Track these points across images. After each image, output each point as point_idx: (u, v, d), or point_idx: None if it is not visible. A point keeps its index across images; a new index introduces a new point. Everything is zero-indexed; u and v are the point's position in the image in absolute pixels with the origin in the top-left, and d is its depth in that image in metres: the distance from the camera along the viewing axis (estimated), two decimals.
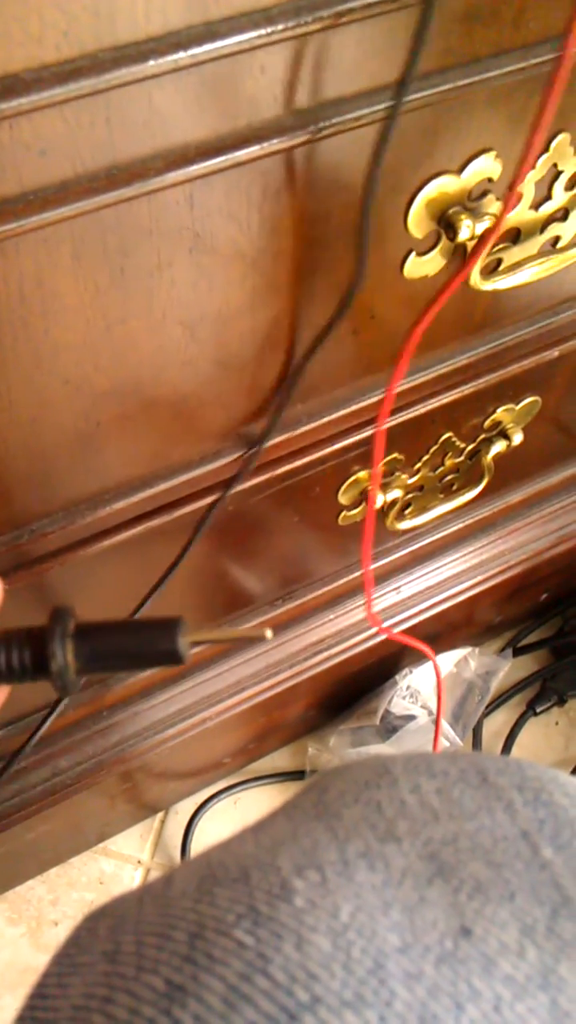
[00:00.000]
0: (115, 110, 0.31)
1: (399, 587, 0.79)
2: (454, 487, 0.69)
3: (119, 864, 0.87)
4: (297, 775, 0.91)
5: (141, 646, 0.31)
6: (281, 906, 0.24)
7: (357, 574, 0.73)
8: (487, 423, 0.65)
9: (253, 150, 0.35)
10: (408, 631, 0.80)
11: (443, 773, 0.30)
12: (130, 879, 0.86)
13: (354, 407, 0.53)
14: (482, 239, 0.43)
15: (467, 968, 0.23)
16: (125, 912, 0.27)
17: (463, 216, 0.43)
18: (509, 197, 0.40)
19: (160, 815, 0.90)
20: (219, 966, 0.23)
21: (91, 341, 0.38)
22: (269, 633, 0.32)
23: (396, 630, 0.79)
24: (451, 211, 0.43)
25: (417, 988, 0.22)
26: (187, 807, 0.90)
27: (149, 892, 0.28)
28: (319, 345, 0.45)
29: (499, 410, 0.64)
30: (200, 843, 0.87)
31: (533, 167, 0.44)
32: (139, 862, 0.87)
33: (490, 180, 0.43)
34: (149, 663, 0.32)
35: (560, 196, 0.47)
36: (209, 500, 0.53)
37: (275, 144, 0.35)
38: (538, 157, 0.44)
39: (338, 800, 0.30)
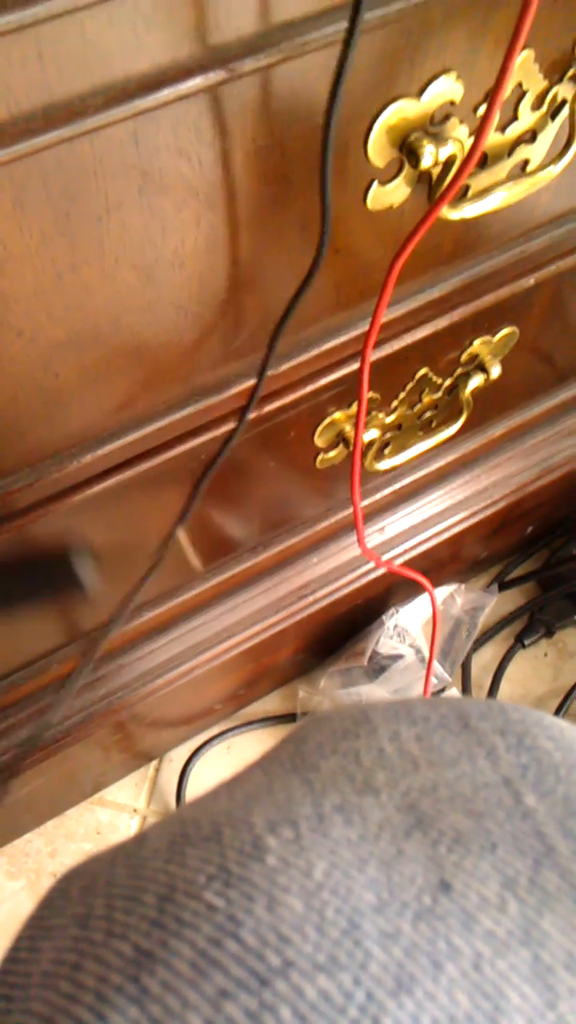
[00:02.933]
0: (47, 45, 0.29)
1: (383, 527, 0.79)
2: (433, 424, 0.68)
3: (115, 813, 0.87)
4: (289, 718, 0.92)
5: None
6: (253, 865, 0.24)
7: (339, 516, 0.73)
8: (464, 357, 0.63)
9: (196, 82, 0.33)
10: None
11: (424, 719, 0.30)
12: (127, 828, 0.86)
13: (325, 347, 0.52)
14: (460, 169, 0.41)
15: (446, 925, 0.22)
16: (97, 873, 0.27)
17: (425, 141, 0.41)
18: (485, 124, 0.38)
19: (154, 763, 0.90)
20: (188, 930, 0.22)
21: (42, 290, 0.37)
22: None
23: (381, 571, 0.79)
24: (412, 137, 0.41)
25: (393, 948, 0.21)
26: (181, 754, 0.90)
27: (122, 851, 0.28)
28: (301, 294, 0.43)
29: (476, 343, 0.63)
30: (195, 789, 0.88)
31: (504, 91, 0.42)
32: (135, 810, 0.87)
33: (452, 103, 0.41)
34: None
35: (527, 117, 0.45)
36: (179, 450, 0.52)
37: (220, 74, 0.33)
38: (502, 78, 0.42)
39: (315, 751, 0.29)
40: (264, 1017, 0.20)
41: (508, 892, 0.23)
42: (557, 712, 0.91)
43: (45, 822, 0.87)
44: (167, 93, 0.33)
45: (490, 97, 0.36)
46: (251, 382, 0.49)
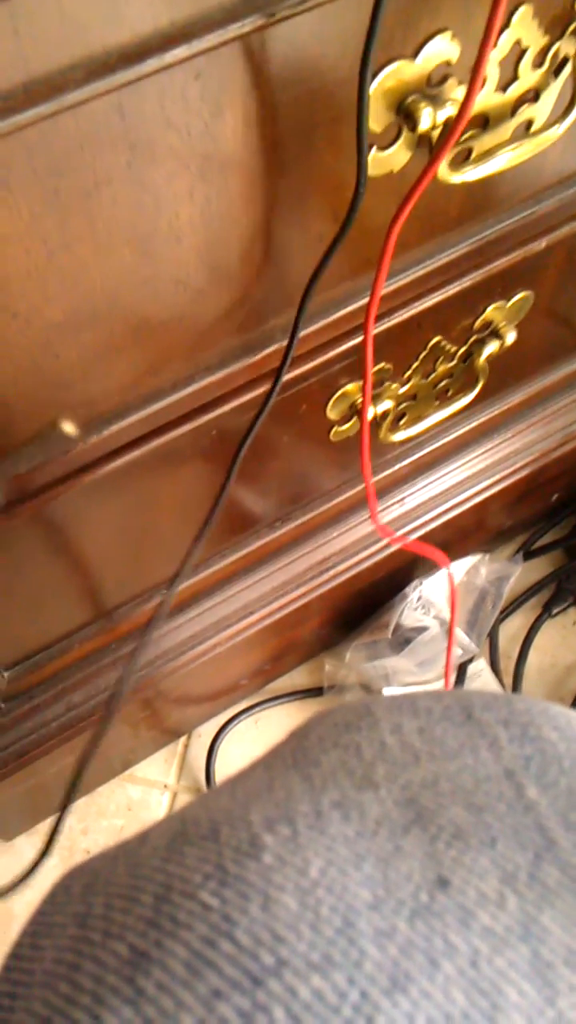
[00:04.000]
0: (22, 20, 0.29)
1: (403, 499, 0.78)
2: (449, 393, 0.67)
3: (146, 790, 0.88)
4: (316, 692, 0.92)
5: None
6: (249, 864, 0.24)
7: (357, 489, 0.72)
8: (477, 323, 0.62)
9: (179, 51, 0.32)
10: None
11: (426, 711, 0.29)
12: (157, 804, 0.87)
13: (331, 318, 0.51)
14: (449, 130, 0.40)
15: (443, 922, 0.22)
16: (99, 870, 0.27)
17: (422, 104, 0.40)
18: (473, 83, 0.37)
19: (183, 739, 0.91)
20: (183, 930, 0.22)
21: (35, 270, 0.37)
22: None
23: (400, 546, 0.78)
24: (409, 100, 0.40)
25: (389, 946, 0.21)
26: (209, 729, 0.90)
27: (123, 849, 0.28)
28: (324, 266, 0.42)
29: (489, 309, 0.62)
30: (223, 763, 0.88)
31: (494, 46, 0.41)
32: (165, 786, 0.88)
33: (448, 63, 0.40)
34: None
35: (528, 76, 0.44)
36: (188, 427, 0.51)
37: (205, 42, 0.33)
38: (499, 34, 0.41)
39: (317, 746, 0.29)
40: (257, 1017, 0.20)
41: (507, 887, 0.23)
42: None
43: (76, 800, 0.88)
44: (151, 64, 0.32)
45: (478, 52, 0.35)
46: (256, 357, 0.49)
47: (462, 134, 0.44)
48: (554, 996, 0.21)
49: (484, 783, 0.26)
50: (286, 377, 0.54)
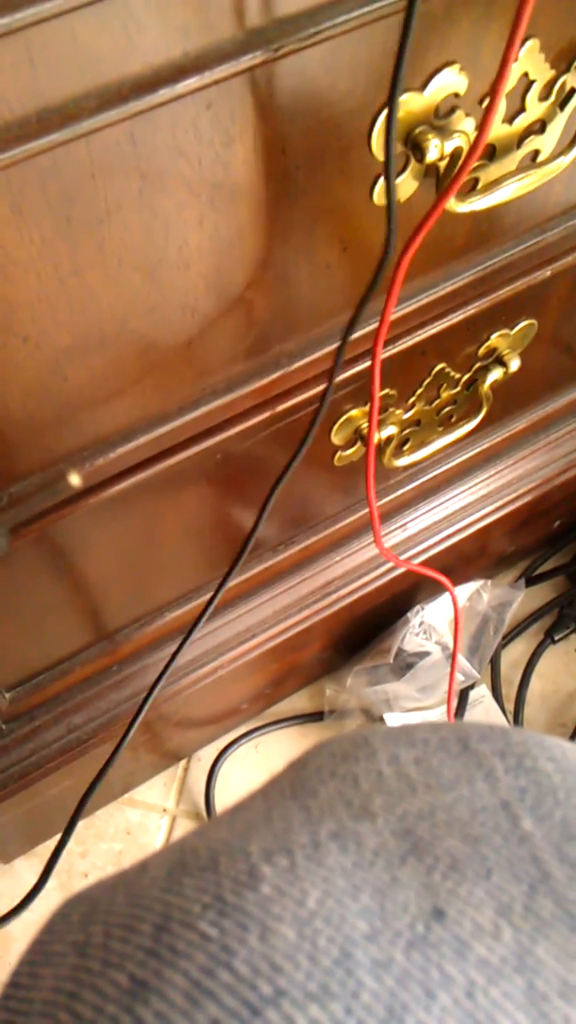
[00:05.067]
0: (37, 49, 0.29)
1: (405, 524, 0.78)
2: (453, 419, 0.67)
3: (145, 813, 0.88)
4: (316, 716, 0.91)
5: None
6: (248, 895, 0.24)
7: (360, 513, 0.72)
8: (481, 351, 0.63)
9: (191, 82, 0.33)
10: None
11: (423, 742, 0.30)
12: (156, 827, 0.87)
13: (337, 344, 0.52)
14: (459, 166, 0.41)
15: (439, 953, 0.22)
16: (98, 899, 0.27)
17: (430, 135, 0.40)
18: (487, 116, 0.38)
19: (183, 763, 0.90)
20: (183, 960, 0.22)
21: (45, 295, 0.37)
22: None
23: (405, 568, 0.78)
24: (417, 131, 0.41)
25: (386, 977, 0.21)
26: (209, 753, 0.90)
27: (123, 879, 0.28)
28: (367, 298, 0.42)
29: (493, 336, 0.62)
30: (223, 788, 0.88)
31: (506, 80, 0.42)
32: (164, 810, 0.88)
33: (456, 95, 0.41)
34: None
35: (535, 107, 0.44)
36: (194, 450, 0.52)
37: (217, 73, 0.33)
38: (503, 70, 0.41)
39: (315, 776, 0.29)
40: None
41: (502, 919, 0.23)
42: None
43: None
44: (163, 94, 0.33)
45: (492, 89, 0.35)
46: (261, 382, 0.49)
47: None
48: None
49: (480, 814, 0.26)
50: (290, 403, 0.54)
